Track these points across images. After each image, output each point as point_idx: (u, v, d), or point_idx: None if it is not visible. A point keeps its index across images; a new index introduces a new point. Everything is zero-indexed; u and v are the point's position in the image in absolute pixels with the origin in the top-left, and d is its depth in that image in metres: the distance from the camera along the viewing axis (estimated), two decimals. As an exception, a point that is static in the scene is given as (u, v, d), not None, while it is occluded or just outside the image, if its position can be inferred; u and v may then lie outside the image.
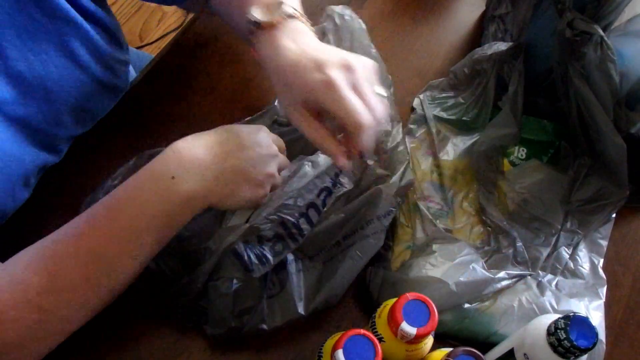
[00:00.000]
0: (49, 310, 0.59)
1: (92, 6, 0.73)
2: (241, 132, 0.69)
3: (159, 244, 0.65)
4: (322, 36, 0.77)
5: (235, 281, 0.71)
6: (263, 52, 0.68)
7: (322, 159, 0.75)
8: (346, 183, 0.75)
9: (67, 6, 0.69)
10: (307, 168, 0.74)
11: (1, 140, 0.66)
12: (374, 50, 0.78)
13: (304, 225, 0.72)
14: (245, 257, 0.70)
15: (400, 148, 0.81)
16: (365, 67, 0.66)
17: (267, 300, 0.73)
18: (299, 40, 0.66)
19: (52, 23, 0.68)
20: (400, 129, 0.82)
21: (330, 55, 0.64)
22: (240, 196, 0.68)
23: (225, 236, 0.69)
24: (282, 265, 0.74)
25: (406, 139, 0.92)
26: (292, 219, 0.71)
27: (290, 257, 0.75)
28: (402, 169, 0.78)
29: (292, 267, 0.75)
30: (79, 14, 0.71)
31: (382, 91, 0.67)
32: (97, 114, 0.84)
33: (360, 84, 0.63)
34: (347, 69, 0.63)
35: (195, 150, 0.65)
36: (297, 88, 0.64)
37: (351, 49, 0.76)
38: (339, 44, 0.76)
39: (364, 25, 0.78)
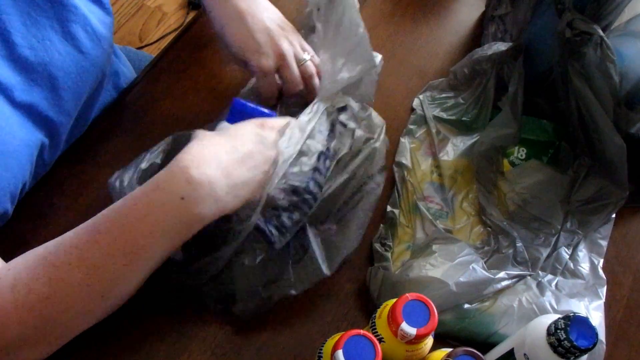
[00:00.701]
0: (50, 317, 0.59)
1: None
2: (244, 137, 0.70)
3: (165, 256, 0.65)
4: (317, 9, 0.82)
5: (258, 252, 0.73)
6: (216, 12, 0.79)
7: (305, 121, 0.78)
8: (334, 146, 0.81)
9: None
10: (297, 132, 0.76)
11: (10, 125, 0.66)
12: (361, 30, 0.79)
13: (315, 189, 0.75)
14: (267, 231, 0.72)
15: (373, 117, 0.85)
16: (297, 37, 0.83)
17: (293, 266, 0.76)
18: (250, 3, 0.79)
19: (53, 9, 0.68)
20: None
21: (276, 27, 0.80)
22: (255, 199, 0.70)
23: (247, 215, 0.70)
24: (302, 231, 0.76)
25: (406, 139, 0.93)
26: (302, 185, 0.74)
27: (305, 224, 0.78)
28: (380, 131, 0.85)
29: (310, 232, 0.77)
30: None
31: (307, 56, 0.84)
32: (94, 106, 0.85)
33: (298, 53, 0.82)
34: (290, 42, 0.81)
35: (202, 167, 0.63)
36: (251, 52, 0.79)
37: (340, 23, 0.80)
38: (328, 17, 0.81)
39: (357, 3, 0.80)
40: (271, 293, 0.75)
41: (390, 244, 0.84)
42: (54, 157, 0.79)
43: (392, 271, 0.81)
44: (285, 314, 0.79)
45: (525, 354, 0.65)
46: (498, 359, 0.71)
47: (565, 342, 0.61)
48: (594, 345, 0.61)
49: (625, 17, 0.86)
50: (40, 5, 0.67)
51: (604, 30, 0.81)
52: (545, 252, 0.84)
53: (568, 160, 0.92)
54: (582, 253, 0.87)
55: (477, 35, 1.07)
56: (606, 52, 0.79)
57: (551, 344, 0.62)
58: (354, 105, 0.84)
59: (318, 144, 0.77)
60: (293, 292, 0.75)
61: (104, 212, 0.63)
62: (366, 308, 0.81)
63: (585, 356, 0.63)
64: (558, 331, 0.62)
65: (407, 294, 0.65)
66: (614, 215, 0.90)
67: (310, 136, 0.77)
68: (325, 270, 0.76)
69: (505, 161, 0.93)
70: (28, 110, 0.68)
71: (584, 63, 0.82)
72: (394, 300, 0.66)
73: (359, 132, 0.82)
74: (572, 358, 0.62)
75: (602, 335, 0.80)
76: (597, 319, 0.81)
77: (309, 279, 0.76)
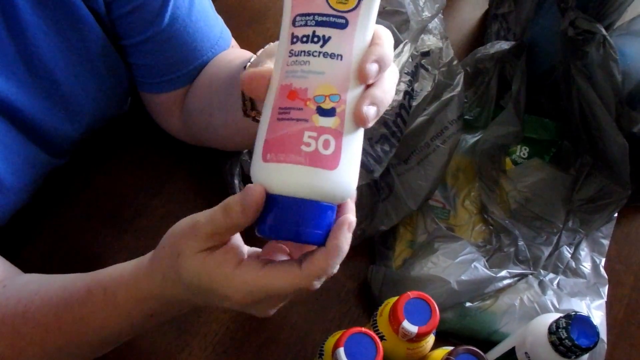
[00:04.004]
0: None
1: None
2: (213, 284, 0.49)
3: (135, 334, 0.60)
4: None
5: None
6: None
7: (396, 59, 0.81)
8: (417, 87, 0.84)
9: (102, 36, 0.67)
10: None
11: (16, 143, 0.66)
12: None
13: (401, 124, 0.79)
14: (365, 161, 0.77)
15: (454, 62, 0.87)
16: None
17: (382, 203, 0.82)
18: None
19: (85, 48, 0.66)
20: (450, 45, 0.89)
21: None
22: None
23: None
24: (386, 171, 0.82)
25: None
26: (392, 118, 0.78)
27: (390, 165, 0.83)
28: (459, 79, 0.88)
29: (394, 172, 0.84)
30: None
31: None
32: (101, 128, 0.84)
33: None
34: None
35: (175, 289, 0.51)
36: None
37: None
38: None
39: None
40: (364, 229, 0.81)
41: (392, 242, 0.84)
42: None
43: (394, 269, 0.81)
44: (286, 311, 0.78)
45: (526, 353, 0.65)
46: (499, 357, 0.71)
47: (567, 341, 0.61)
48: (595, 344, 0.61)
49: (628, 16, 0.85)
50: (74, 45, 0.65)
51: (606, 29, 0.81)
52: (547, 251, 0.84)
53: (570, 159, 0.92)
54: (584, 252, 0.87)
55: (480, 34, 1.07)
56: (609, 51, 0.79)
57: (552, 343, 0.62)
58: (436, 50, 0.87)
59: (403, 84, 0.81)
60: (383, 227, 0.82)
61: (73, 292, 0.56)
62: (367, 306, 0.81)
63: (587, 355, 0.63)
64: (559, 330, 0.62)
65: (408, 292, 0.65)
66: (616, 215, 0.90)
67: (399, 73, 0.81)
68: (412, 205, 0.83)
69: (508, 159, 0.93)
70: (36, 132, 0.68)
71: (586, 62, 0.82)
72: (396, 298, 0.66)
73: (439, 78, 0.86)
74: (573, 357, 0.62)
75: (603, 334, 0.80)
76: (599, 318, 0.81)
77: (396, 214, 0.83)
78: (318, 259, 0.46)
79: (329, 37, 0.43)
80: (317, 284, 0.47)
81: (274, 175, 0.44)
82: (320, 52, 0.44)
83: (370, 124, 0.44)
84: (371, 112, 0.44)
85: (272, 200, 0.45)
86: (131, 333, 0.58)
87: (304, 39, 0.44)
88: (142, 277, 0.53)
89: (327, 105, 0.43)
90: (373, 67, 0.44)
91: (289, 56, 0.44)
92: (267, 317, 0.52)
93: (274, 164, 0.44)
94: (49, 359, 0.58)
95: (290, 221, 0.45)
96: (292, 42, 0.44)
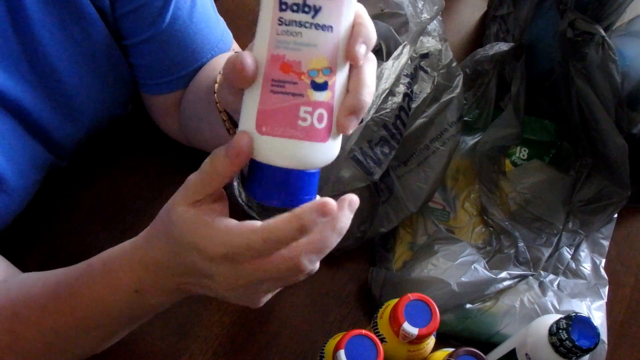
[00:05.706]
0: None
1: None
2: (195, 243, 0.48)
3: (133, 326, 0.60)
4: None
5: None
6: None
7: (395, 62, 0.81)
8: (416, 89, 0.85)
9: (107, 34, 0.67)
10: (387, 71, 0.79)
11: (22, 142, 0.66)
12: None
13: (401, 127, 0.80)
14: (365, 163, 0.78)
15: (454, 64, 0.89)
16: None
17: (382, 206, 0.82)
18: None
19: (89, 46, 0.66)
20: (449, 47, 0.90)
21: None
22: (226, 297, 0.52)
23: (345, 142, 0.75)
24: (386, 174, 0.82)
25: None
26: (391, 120, 0.79)
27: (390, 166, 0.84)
28: (458, 81, 0.88)
29: (393, 174, 0.84)
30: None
31: None
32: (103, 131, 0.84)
33: None
34: None
35: (161, 249, 0.51)
36: None
37: None
38: None
39: None
40: (365, 231, 0.81)
41: (392, 244, 0.84)
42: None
43: (394, 271, 0.81)
44: (286, 314, 0.79)
45: (527, 354, 0.66)
46: (500, 359, 0.71)
47: (567, 342, 0.61)
48: (596, 345, 0.61)
49: (627, 17, 0.85)
50: (77, 41, 0.65)
51: (605, 30, 0.81)
52: (547, 252, 0.84)
53: (570, 161, 0.92)
54: (584, 253, 0.87)
55: (479, 36, 1.07)
56: (608, 52, 0.79)
57: (553, 344, 0.62)
58: (435, 52, 0.88)
59: (402, 86, 0.81)
60: (383, 230, 0.82)
61: (73, 270, 0.57)
62: (368, 308, 0.81)
63: (587, 356, 0.63)
64: (560, 331, 0.62)
65: (408, 294, 0.65)
66: (615, 215, 0.90)
67: (397, 77, 0.80)
68: (412, 207, 0.83)
69: (507, 161, 0.93)
70: (42, 134, 0.68)
71: (585, 63, 0.82)
72: (396, 300, 0.66)
73: (438, 79, 0.86)
74: (573, 358, 0.62)
75: (603, 335, 0.80)
76: (599, 319, 0.81)
77: (396, 216, 0.83)
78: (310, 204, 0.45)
79: (320, 7, 0.43)
80: (312, 223, 0.45)
81: (270, 147, 0.45)
82: (312, 24, 0.44)
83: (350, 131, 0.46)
84: (353, 123, 0.45)
85: (265, 169, 0.46)
86: (119, 316, 0.56)
87: (294, 8, 0.43)
88: (137, 243, 0.53)
89: (320, 79, 0.44)
90: (362, 49, 0.44)
91: (279, 24, 0.44)
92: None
93: (270, 137, 0.44)
94: (45, 343, 0.58)
95: (284, 191, 0.46)
96: (282, 9, 0.44)
